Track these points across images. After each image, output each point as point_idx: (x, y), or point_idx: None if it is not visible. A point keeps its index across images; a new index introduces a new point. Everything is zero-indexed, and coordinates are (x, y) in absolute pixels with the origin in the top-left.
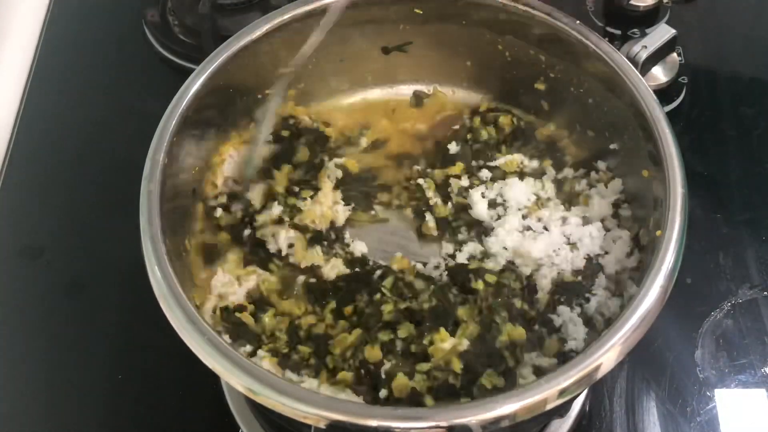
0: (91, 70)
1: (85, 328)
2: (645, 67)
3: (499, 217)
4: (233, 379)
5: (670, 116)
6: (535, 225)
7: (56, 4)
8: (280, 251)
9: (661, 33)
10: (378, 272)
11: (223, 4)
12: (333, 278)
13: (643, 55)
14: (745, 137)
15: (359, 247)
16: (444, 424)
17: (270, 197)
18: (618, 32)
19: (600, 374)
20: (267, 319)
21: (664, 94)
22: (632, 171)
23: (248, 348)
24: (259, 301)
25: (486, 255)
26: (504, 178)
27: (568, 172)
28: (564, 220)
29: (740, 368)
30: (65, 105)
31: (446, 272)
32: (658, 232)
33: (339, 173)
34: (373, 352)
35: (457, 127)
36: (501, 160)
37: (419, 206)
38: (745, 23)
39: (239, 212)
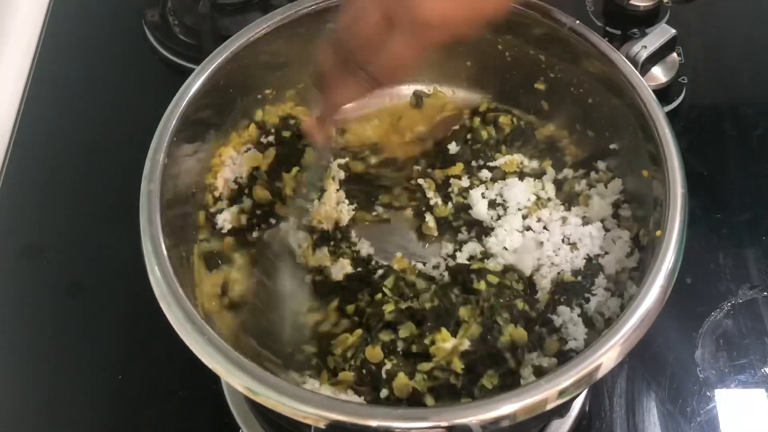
0: (91, 70)
1: (85, 328)
2: (645, 67)
3: (499, 218)
4: (233, 379)
5: (670, 116)
6: (535, 225)
7: (56, 4)
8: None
9: (661, 33)
10: (379, 272)
11: (223, 4)
12: (340, 278)
13: (643, 55)
14: (745, 137)
15: (365, 247)
16: (444, 424)
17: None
18: (618, 32)
19: (600, 374)
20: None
21: (664, 94)
22: (632, 171)
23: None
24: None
25: (486, 255)
26: (504, 178)
27: (567, 172)
28: (564, 220)
29: (740, 368)
30: (65, 105)
31: (447, 272)
32: (658, 232)
33: (342, 174)
34: (374, 352)
35: (456, 127)
36: (501, 161)
37: (419, 207)
38: (745, 23)
39: (243, 217)
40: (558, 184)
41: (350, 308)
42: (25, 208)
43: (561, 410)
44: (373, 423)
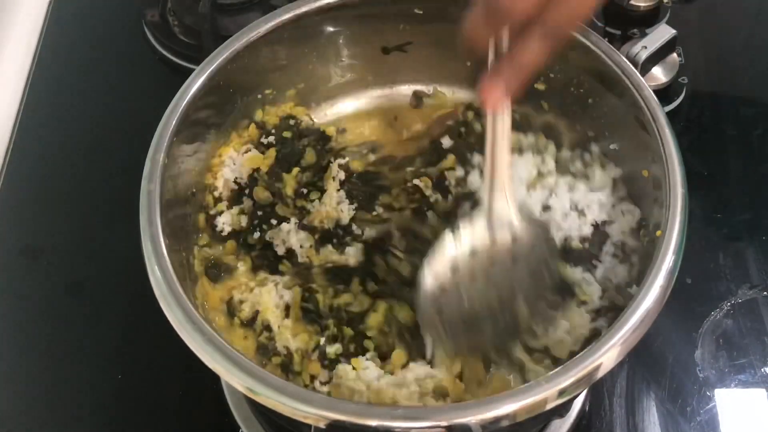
0: (91, 70)
1: (85, 328)
2: (645, 67)
3: None
4: (233, 379)
5: (670, 116)
6: (539, 192)
7: (56, 4)
8: (287, 253)
9: (661, 33)
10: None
11: (223, 4)
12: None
13: (643, 56)
14: (745, 137)
15: (370, 233)
16: (444, 423)
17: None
18: (618, 32)
19: (600, 374)
20: None
21: (664, 94)
22: (632, 171)
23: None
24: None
25: None
26: None
27: (566, 153)
28: (571, 186)
29: (740, 368)
30: (65, 105)
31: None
32: (658, 232)
33: (342, 174)
34: (404, 314)
35: (451, 122)
36: None
37: (420, 207)
38: (745, 23)
39: (244, 219)
40: (559, 161)
41: (371, 286)
42: (25, 208)
43: (561, 410)
44: (373, 423)
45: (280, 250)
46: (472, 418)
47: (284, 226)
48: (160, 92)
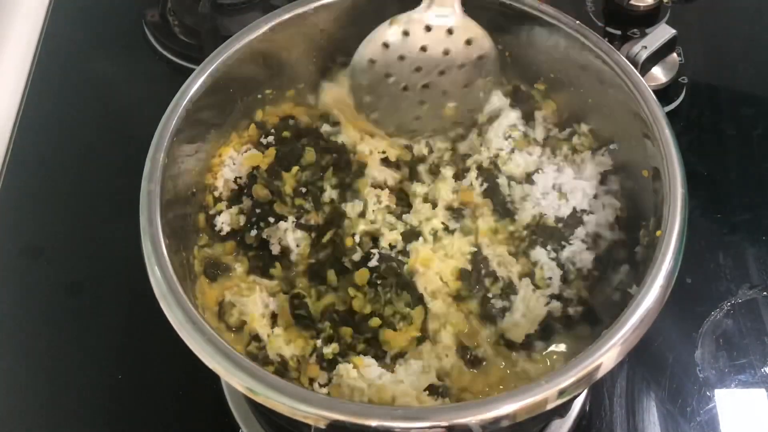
0: (91, 70)
1: (85, 328)
2: (645, 67)
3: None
4: (233, 379)
5: (670, 116)
6: (527, 157)
7: (56, 4)
8: (281, 253)
9: (661, 33)
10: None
11: (223, 4)
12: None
13: (643, 55)
14: (745, 137)
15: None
16: (444, 423)
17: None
18: (618, 32)
19: (600, 374)
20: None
21: (664, 94)
22: (632, 171)
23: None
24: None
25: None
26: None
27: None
28: (559, 168)
29: (740, 368)
30: (65, 105)
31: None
32: (658, 232)
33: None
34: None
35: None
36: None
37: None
38: (745, 23)
39: (242, 218)
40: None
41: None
42: (25, 208)
43: (561, 410)
44: (373, 423)
45: (275, 249)
46: (472, 418)
47: (281, 224)
48: (160, 92)
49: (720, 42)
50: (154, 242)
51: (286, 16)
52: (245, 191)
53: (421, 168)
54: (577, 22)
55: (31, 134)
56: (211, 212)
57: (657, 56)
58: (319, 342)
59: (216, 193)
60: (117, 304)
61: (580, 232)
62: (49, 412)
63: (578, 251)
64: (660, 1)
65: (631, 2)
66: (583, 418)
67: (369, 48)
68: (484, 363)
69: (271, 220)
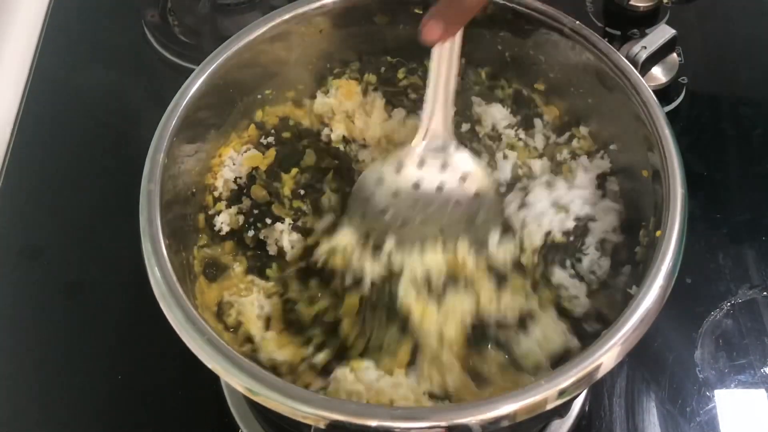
0: (91, 70)
1: (85, 328)
2: (645, 68)
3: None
4: (233, 379)
5: (670, 116)
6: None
7: (56, 4)
8: (277, 254)
9: (661, 33)
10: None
11: (223, 4)
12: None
13: (643, 56)
14: (745, 137)
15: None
16: (444, 424)
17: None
18: (618, 32)
19: (600, 374)
20: None
21: (664, 94)
22: (632, 171)
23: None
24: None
25: None
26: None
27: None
28: (549, 183)
29: (740, 368)
30: (65, 105)
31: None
32: (658, 232)
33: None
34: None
35: None
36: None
37: None
38: (745, 23)
39: (241, 218)
40: (548, 152)
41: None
42: (25, 208)
43: (561, 410)
44: (373, 423)
45: (272, 250)
46: (472, 418)
47: (278, 225)
48: (160, 92)
49: (720, 42)
50: (154, 242)
51: (286, 16)
52: (245, 191)
53: None
54: (577, 22)
55: (31, 134)
56: (211, 212)
57: (657, 56)
58: (310, 349)
59: (216, 193)
60: (117, 304)
61: (590, 240)
62: (49, 412)
63: (595, 259)
64: (660, 1)
65: (631, 2)
66: (583, 418)
67: (365, 182)
68: (490, 383)
69: (269, 221)
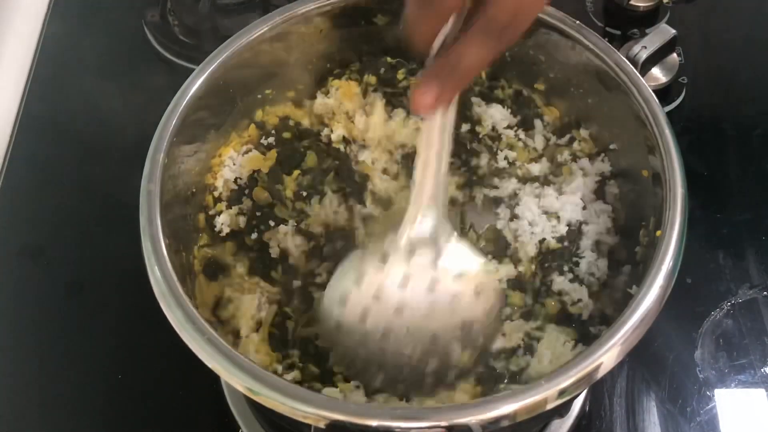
0: (91, 70)
1: (85, 328)
2: (645, 67)
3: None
4: (233, 379)
5: (670, 116)
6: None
7: (56, 4)
8: (281, 256)
9: (661, 33)
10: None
11: (223, 4)
12: None
13: (643, 56)
14: (745, 137)
15: None
16: (444, 423)
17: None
18: (618, 32)
19: (600, 374)
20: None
21: (664, 94)
22: (632, 171)
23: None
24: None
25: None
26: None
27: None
28: (537, 192)
29: (740, 368)
30: (65, 105)
31: None
32: (658, 232)
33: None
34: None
35: None
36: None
37: None
38: (745, 23)
39: (242, 219)
40: (548, 155)
41: None
42: (25, 208)
43: (561, 410)
44: (373, 423)
45: (275, 252)
46: (472, 418)
47: (281, 228)
48: (160, 92)
49: (720, 42)
50: (154, 242)
51: (286, 16)
52: (246, 192)
53: None
54: (577, 22)
55: (31, 134)
56: (211, 212)
57: (657, 56)
58: (280, 367)
59: (216, 194)
60: (117, 304)
61: (585, 243)
62: (49, 412)
63: (593, 261)
64: (660, 1)
65: (631, 2)
66: (583, 418)
67: (337, 288)
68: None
69: (272, 223)
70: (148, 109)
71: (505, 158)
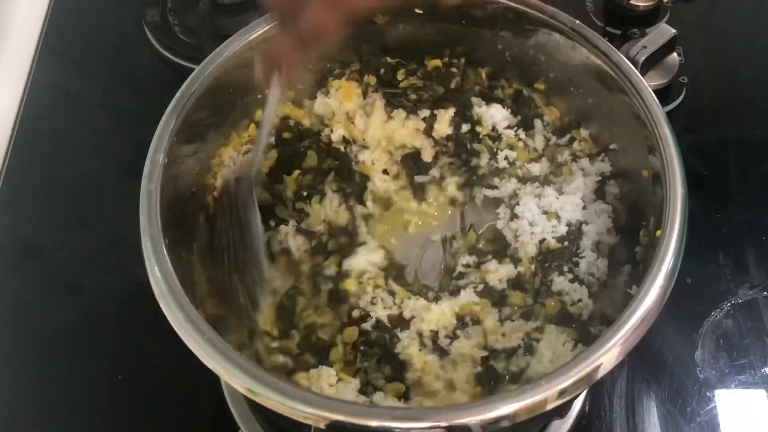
0: (91, 70)
1: (85, 328)
2: (645, 67)
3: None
4: (233, 379)
5: (670, 116)
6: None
7: (56, 4)
8: (283, 253)
9: (661, 33)
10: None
11: (223, 4)
12: None
13: (643, 56)
14: (745, 137)
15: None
16: (444, 424)
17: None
18: (618, 32)
19: (600, 374)
20: None
21: (664, 94)
22: (632, 171)
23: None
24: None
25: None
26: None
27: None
28: (537, 192)
29: (740, 368)
30: (65, 105)
31: None
32: (658, 232)
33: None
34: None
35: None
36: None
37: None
38: (745, 23)
39: None
40: (549, 155)
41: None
42: (25, 208)
43: (561, 410)
44: (373, 423)
45: (276, 250)
46: (472, 418)
47: (282, 228)
48: (160, 92)
49: (720, 42)
50: (154, 242)
51: None
52: None
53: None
54: (577, 21)
55: (31, 134)
56: (211, 212)
57: (657, 56)
58: (276, 331)
59: (216, 193)
60: (117, 304)
61: (585, 243)
62: (49, 412)
63: (593, 261)
64: (660, 1)
65: (631, 2)
66: (583, 418)
67: None
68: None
69: (272, 223)
70: (148, 109)
71: (506, 158)
